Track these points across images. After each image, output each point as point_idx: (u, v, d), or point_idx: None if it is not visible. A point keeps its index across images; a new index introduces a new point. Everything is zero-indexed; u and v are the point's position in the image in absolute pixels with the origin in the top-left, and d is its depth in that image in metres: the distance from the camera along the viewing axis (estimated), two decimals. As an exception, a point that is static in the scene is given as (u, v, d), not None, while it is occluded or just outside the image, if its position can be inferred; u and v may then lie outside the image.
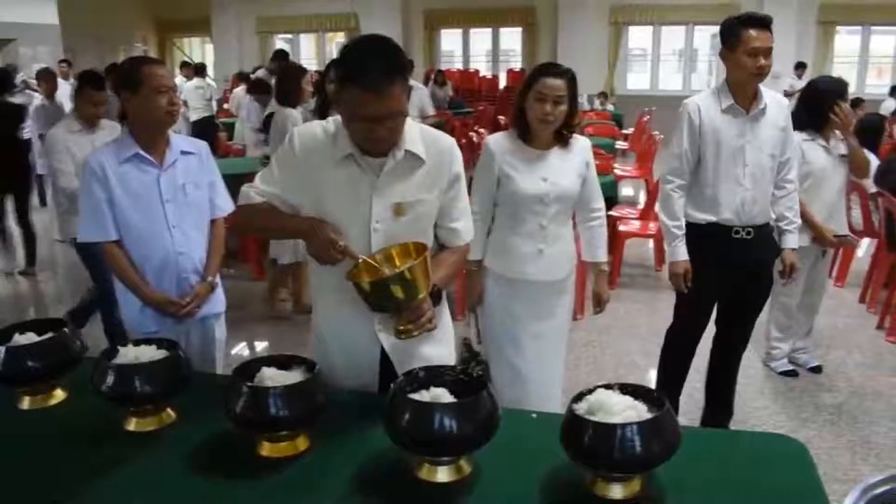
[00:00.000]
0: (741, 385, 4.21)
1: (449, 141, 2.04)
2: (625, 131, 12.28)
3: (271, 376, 1.74)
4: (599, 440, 1.47)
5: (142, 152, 2.54)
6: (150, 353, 1.88)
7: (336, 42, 18.61)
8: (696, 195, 3.18)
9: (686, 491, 1.57)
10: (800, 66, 13.55)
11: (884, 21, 14.18)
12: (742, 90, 3.02)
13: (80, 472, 1.68)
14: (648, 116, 11.70)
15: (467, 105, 13.94)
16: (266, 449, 1.73)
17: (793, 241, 3.24)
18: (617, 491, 1.54)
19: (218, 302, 2.80)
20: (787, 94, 13.13)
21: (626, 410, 1.53)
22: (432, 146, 1.97)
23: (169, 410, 1.89)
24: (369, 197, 1.91)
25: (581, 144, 2.92)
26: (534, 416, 1.92)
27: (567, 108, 2.76)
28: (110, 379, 1.80)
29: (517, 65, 16.99)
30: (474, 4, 16.42)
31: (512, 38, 17.28)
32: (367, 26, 16.63)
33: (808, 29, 14.56)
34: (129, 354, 1.87)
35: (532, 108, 2.76)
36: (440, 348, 2.12)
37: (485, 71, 17.77)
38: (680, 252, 3.18)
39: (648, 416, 1.51)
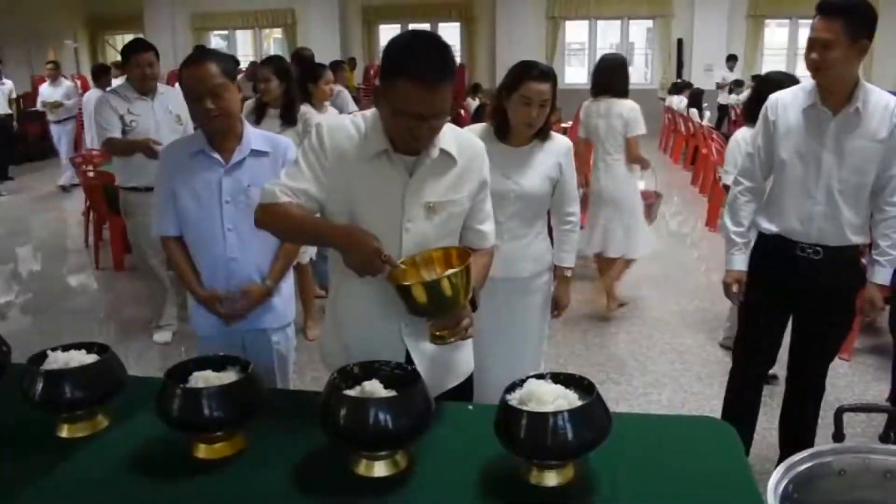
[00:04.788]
0: (679, 371, 4.33)
1: (480, 144, 2.01)
2: (563, 125, 12.41)
3: (205, 377, 1.73)
4: (532, 429, 1.50)
5: (207, 149, 2.42)
6: (79, 358, 1.84)
7: (273, 38, 18.38)
8: (767, 201, 2.84)
9: (618, 476, 1.61)
10: (731, 59, 13.89)
11: (811, 14, 14.57)
12: (827, 90, 2.62)
13: (10, 481, 1.64)
14: (586, 110, 11.83)
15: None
16: (202, 451, 1.71)
17: (882, 275, 2.71)
18: (551, 478, 1.57)
19: (280, 314, 2.61)
20: (720, 87, 13.49)
21: (557, 399, 1.56)
22: (465, 147, 1.93)
23: (101, 416, 1.85)
24: (401, 196, 1.85)
25: (558, 146, 2.85)
26: (469, 407, 1.94)
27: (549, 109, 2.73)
28: (39, 385, 1.76)
29: (456, 60, 17.01)
30: (412, -1, 16.43)
31: (450, 32, 17.29)
32: (305, 22, 16.53)
33: (739, 22, 14.96)
34: (59, 360, 1.83)
35: (516, 111, 2.70)
36: (462, 353, 2.09)
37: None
38: (734, 261, 2.86)
39: (579, 403, 1.55)
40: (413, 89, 1.68)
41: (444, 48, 1.75)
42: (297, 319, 5.03)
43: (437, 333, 1.82)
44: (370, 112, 1.90)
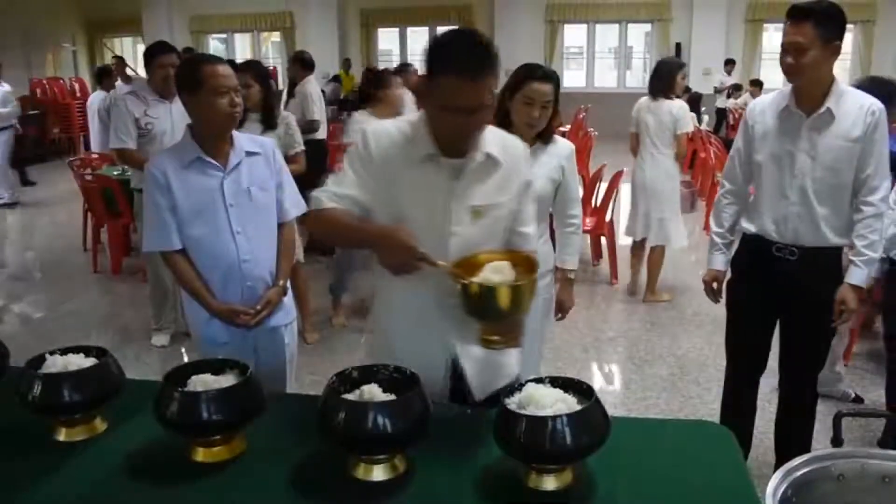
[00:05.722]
0: (677, 375, 4.33)
1: (522, 145, 2.03)
2: (562, 128, 12.44)
3: (203, 381, 1.73)
4: (531, 433, 1.50)
5: (204, 156, 2.41)
6: (78, 361, 1.83)
7: (272, 41, 18.38)
8: (750, 203, 2.91)
9: (616, 479, 1.61)
10: (729, 63, 13.91)
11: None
12: (801, 93, 2.66)
13: (7, 484, 1.64)
14: (585, 113, 11.88)
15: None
16: (200, 454, 1.71)
17: (857, 276, 2.68)
18: (550, 482, 1.57)
19: (288, 309, 2.65)
20: (718, 91, 13.50)
21: (556, 403, 1.56)
22: (507, 149, 1.94)
23: (99, 419, 1.85)
24: (447, 200, 1.86)
25: (560, 149, 2.88)
26: (468, 411, 1.94)
27: (551, 111, 2.75)
28: (37, 388, 1.75)
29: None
30: (411, 3, 16.42)
31: (449, 36, 17.31)
32: (303, 25, 16.52)
33: (737, 26, 14.97)
34: (57, 363, 1.83)
35: (519, 111, 2.73)
36: (510, 355, 2.09)
37: (423, 70, 17.72)
38: (713, 260, 2.97)
39: (578, 407, 1.55)
40: (457, 83, 1.71)
41: (485, 42, 1.77)
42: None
43: (489, 338, 1.82)
44: (415, 116, 1.92)
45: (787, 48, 2.59)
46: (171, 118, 4.33)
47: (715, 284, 3.00)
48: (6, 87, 9.91)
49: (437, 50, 1.78)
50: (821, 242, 2.72)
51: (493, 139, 1.91)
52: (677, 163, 5.45)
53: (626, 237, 6.60)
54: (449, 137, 1.82)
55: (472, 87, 1.72)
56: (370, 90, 4.85)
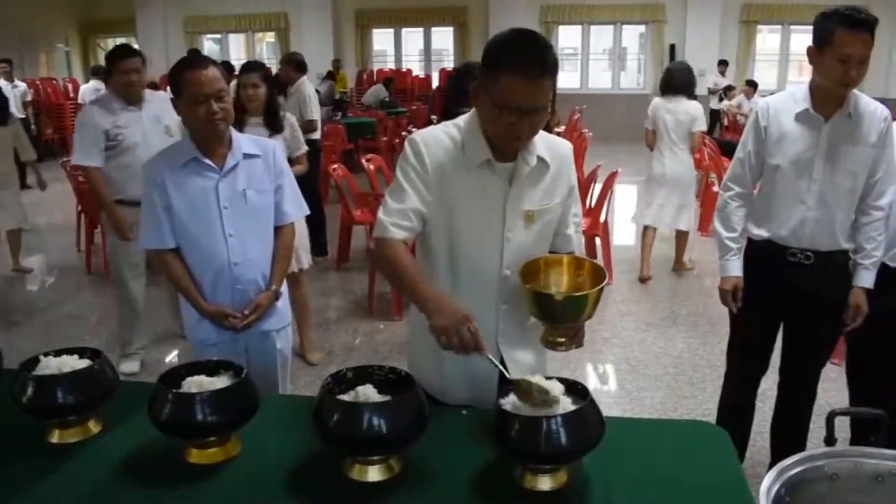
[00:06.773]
0: (672, 375, 4.34)
1: (568, 146, 2.02)
2: (558, 129, 12.44)
3: (198, 382, 1.72)
4: (526, 433, 1.51)
5: (200, 157, 2.40)
6: (72, 363, 1.83)
7: (266, 42, 18.36)
8: (756, 207, 2.85)
9: (612, 480, 1.61)
10: (722, 64, 13.95)
11: (803, 20, 14.69)
12: (824, 97, 2.62)
13: (0, 486, 1.63)
14: (579, 115, 11.88)
15: (400, 105, 13.93)
16: (195, 456, 1.71)
17: (867, 278, 2.71)
18: (545, 482, 1.57)
19: (282, 314, 2.64)
20: (712, 92, 13.54)
21: (551, 403, 1.56)
22: (555, 151, 1.94)
23: (93, 421, 1.84)
24: (502, 205, 1.87)
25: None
26: (464, 412, 1.94)
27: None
28: (31, 390, 1.75)
29: (449, 64, 17.05)
30: (405, 4, 16.44)
31: (444, 37, 17.33)
32: (298, 26, 16.52)
33: (731, 28, 15.03)
34: (51, 365, 1.82)
35: None
36: (541, 357, 2.11)
37: (417, 70, 17.78)
38: (730, 267, 2.86)
39: (573, 407, 1.55)
40: (515, 82, 1.70)
41: (545, 44, 1.77)
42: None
43: (555, 340, 1.86)
44: (463, 121, 1.90)
45: (853, 59, 2.49)
46: (143, 127, 4.06)
47: (734, 293, 2.88)
48: (23, 86, 9.80)
49: (498, 47, 1.77)
50: (833, 246, 2.72)
51: (541, 143, 1.91)
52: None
53: (622, 239, 6.62)
54: (502, 139, 1.81)
55: (530, 87, 1.71)
56: (467, 87, 4.73)
